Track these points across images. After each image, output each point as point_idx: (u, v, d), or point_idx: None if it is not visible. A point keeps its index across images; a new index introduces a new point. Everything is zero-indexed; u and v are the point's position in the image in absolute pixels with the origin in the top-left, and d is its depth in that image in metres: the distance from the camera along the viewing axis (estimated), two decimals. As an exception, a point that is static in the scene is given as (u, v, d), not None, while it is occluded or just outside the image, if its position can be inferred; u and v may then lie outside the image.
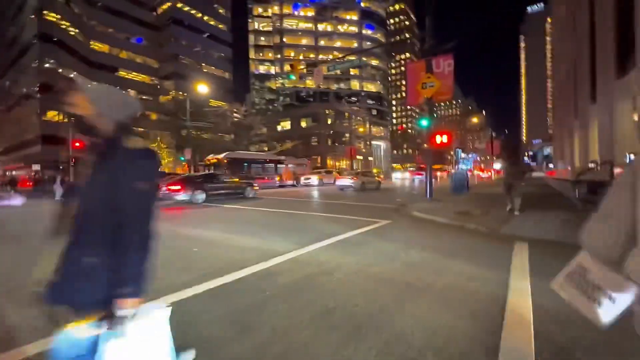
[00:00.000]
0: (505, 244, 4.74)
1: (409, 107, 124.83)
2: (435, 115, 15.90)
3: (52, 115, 37.71)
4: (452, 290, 2.91)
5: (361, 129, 59.21)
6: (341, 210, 9.05)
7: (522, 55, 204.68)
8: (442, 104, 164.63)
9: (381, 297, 2.76)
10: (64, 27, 41.63)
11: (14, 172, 40.53)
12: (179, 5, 55.10)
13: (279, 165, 26.05)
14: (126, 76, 49.67)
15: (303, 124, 53.90)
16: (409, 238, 5.33)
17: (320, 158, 49.71)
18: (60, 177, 17.65)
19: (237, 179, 15.27)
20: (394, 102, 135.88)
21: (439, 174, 42.16)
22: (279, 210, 9.69)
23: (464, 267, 3.63)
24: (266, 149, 55.39)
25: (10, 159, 44.21)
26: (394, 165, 79.71)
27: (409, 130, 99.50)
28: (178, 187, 12.01)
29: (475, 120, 73.41)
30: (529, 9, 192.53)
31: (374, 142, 65.29)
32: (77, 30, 43.66)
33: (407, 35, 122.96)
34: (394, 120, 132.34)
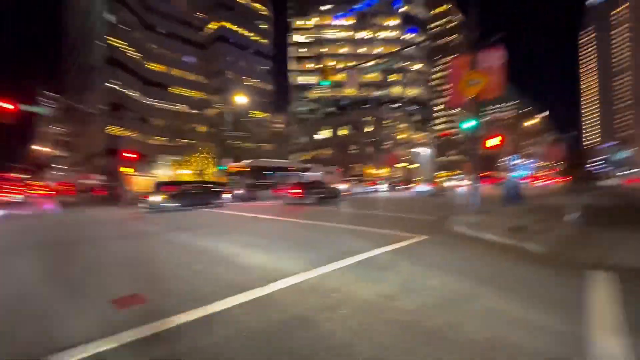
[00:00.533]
0: (576, 273, 3.61)
1: (454, 111, 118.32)
2: (483, 118, 14.40)
3: (114, 130, 41.65)
4: (500, 349, 2.03)
5: (402, 135, 57.20)
6: (377, 222, 8.19)
7: (582, 51, 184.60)
8: (492, 105, 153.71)
9: (395, 353, 2.00)
10: (126, 50, 46.25)
11: (84, 181, 45.40)
12: (224, 24, 58.62)
13: (304, 174, 25.78)
14: (178, 92, 53.62)
15: (343, 132, 53.53)
16: (447, 261, 4.39)
17: (360, 165, 48.80)
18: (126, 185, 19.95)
19: (333, 186, 19.78)
20: (438, 107, 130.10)
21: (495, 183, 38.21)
22: (308, 222, 9.13)
23: (518, 309, 2.68)
24: (305, 157, 55.85)
25: (82, 169, 49.67)
26: (438, 173, 75.64)
27: (454, 137, 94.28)
28: (298, 191, 15.64)
29: (531, 122, 67.22)
30: (588, 1, 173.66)
31: (416, 149, 62.64)
32: (137, 53, 48.27)
33: (452, 37, 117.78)
34: (438, 126, 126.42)
